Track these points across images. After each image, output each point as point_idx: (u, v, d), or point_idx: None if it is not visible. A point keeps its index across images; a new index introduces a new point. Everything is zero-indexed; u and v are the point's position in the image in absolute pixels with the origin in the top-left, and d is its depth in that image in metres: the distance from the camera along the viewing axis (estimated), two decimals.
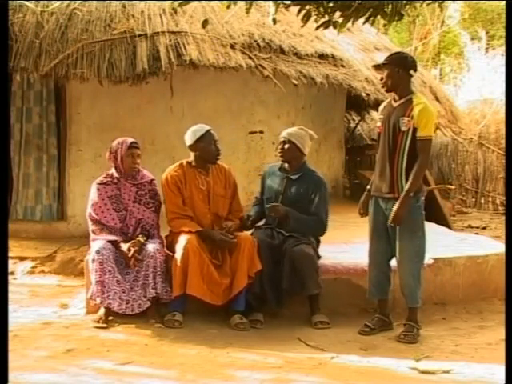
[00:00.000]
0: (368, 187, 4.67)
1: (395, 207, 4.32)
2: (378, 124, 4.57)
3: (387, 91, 4.58)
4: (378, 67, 4.64)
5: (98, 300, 4.60)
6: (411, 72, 4.44)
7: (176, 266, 4.58)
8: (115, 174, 4.93)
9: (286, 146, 4.92)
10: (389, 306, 4.64)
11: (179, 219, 4.80)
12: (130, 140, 4.91)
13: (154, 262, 4.64)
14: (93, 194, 4.93)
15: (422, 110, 4.33)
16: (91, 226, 4.88)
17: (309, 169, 5.03)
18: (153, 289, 4.60)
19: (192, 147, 4.87)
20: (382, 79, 4.50)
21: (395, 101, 4.47)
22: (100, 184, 4.92)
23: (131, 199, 4.92)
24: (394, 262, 4.55)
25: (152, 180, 5.02)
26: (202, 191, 4.87)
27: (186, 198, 4.84)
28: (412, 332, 4.41)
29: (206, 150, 4.83)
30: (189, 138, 4.88)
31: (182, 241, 4.62)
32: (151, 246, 4.71)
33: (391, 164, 4.40)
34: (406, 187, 4.33)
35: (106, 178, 4.96)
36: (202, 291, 4.58)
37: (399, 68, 4.40)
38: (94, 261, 4.62)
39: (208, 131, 4.86)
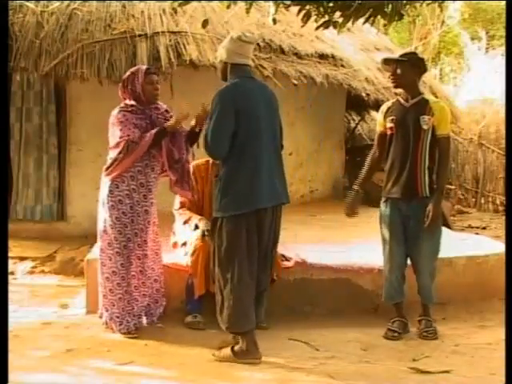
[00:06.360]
0: (355, 187, 4.59)
1: (431, 208, 4.28)
2: (390, 125, 4.43)
3: (396, 87, 4.52)
4: (388, 61, 4.48)
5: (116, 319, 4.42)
6: (422, 75, 4.46)
7: (198, 265, 4.49)
8: (137, 105, 4.45)
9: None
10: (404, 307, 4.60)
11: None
12: (143, 66, 4.58)
13: (160, 284, 4.63)
14: (115, 121, 4.41)
15: (441, 108, 4.38)
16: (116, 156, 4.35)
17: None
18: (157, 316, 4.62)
19: None
20: (393, 74, 4.38)
21: (406, 101, 4.42)
22: (126, 111, 4.42)
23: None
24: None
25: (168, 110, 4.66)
26: None
27: (202, 192, 4.79)
28: (431, 327, 4.44)
29: None
30: None
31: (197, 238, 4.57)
32: (156, 268, 4.61)
33: (414, 163, 4.35)
34: (438, 186, 4.34)
35: (126, 107, 4.44)
36: None
37: (415, 68, 4.38)
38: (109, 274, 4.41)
39: None
